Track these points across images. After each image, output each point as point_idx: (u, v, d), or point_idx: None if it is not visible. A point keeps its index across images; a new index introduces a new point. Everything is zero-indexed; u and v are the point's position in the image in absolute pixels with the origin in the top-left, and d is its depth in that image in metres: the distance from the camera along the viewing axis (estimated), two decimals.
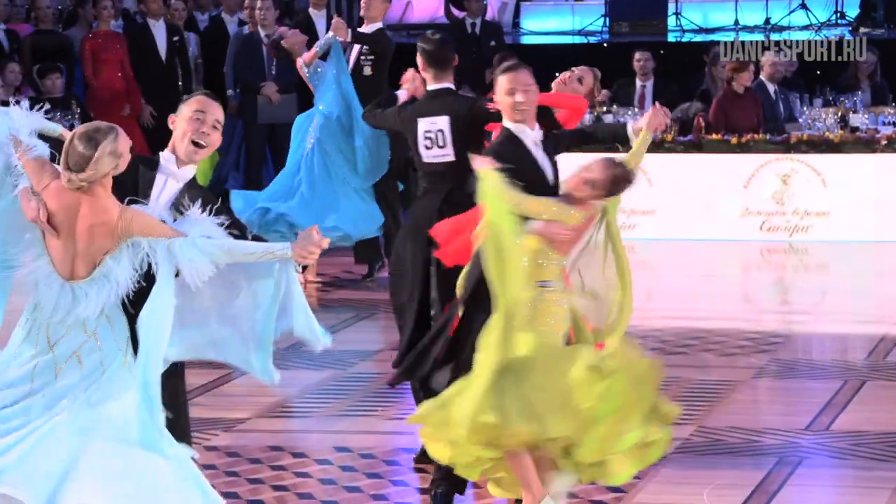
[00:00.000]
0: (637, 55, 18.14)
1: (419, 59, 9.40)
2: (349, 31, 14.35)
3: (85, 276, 6.77)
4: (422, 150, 9.30)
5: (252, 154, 17.96)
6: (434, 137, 9.23)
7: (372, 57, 14.55)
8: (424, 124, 9.28)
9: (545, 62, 19.04)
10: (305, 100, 17.88)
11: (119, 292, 6.77)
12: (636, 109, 17.26)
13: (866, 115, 16.80)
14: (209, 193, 7.33)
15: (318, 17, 18.28)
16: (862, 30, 21.44)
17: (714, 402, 10.75)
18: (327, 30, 18.39)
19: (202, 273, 6.75)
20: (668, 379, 11.07)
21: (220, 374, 11.53)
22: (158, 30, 18.10)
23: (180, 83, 18.28)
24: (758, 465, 9.39)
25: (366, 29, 14.68)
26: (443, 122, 9.21)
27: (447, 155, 9.24)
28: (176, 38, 18.21)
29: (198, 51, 18.79)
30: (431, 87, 9.43)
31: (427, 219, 9.03)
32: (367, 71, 14.55)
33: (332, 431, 10.24)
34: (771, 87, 17.31)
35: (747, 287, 14.85)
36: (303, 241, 6.87)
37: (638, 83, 18.08)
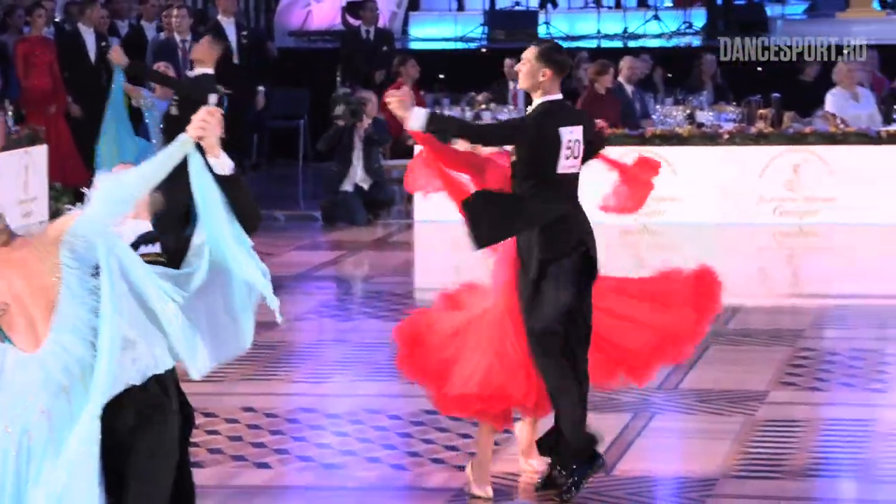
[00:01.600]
0: (507, 62, 18.18)
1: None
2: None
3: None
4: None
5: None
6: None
7: (177, 98, 13.89)
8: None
9: (430, 65, 19.07)
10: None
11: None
12: (511, 107, 17.29)
13: (710, 113, 16.94)
14: None
15: (227, 23, 18.20)
16: (708, 38, 21.62)
17: None
18: (237, 36, 18.38)
19: (123, 215, 5.95)
20: None
21: None
22: (89, 36, 17.95)
23: (105, 83, 18.15)
24: (617, 419, 9.42)
25: (193, 72, 14.21)
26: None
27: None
28: (104, 44, 18.07)
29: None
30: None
31: None
32: (174, 111, 13.86)
33: (239, 394, 10.19)
34: (629, 88, 17.40)
35: (608, 262, 14.89)
36: (195, 119, 6.24)
37: (511, 85, 18.11)
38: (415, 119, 7.65)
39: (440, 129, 7.79)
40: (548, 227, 7.89)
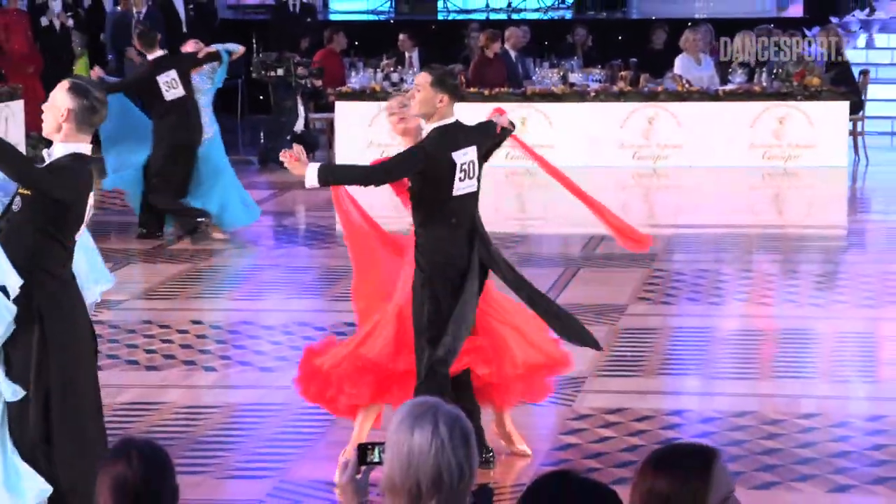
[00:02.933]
0: (400, 37, 18.13)
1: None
2: None
3: None
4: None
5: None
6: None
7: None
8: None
9: (347, 34, 18.92)
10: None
11: None
12: (411, 71, 17.22)
13: (580, 74, 16.93)
14: None
15: None
16: (578, 12, 21.59)
17: None
18: (185, 9, 18.10)
19: None
20: None
21: None
22: (55, 5, 17.66)
23: (73, 48, 17.92)
24: None
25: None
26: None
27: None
28: (70, 13, 17.80)
29: (84, 22, 18.39)
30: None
31: None
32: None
33: (189, 309, 10.12)
34: (513, 54, 17.34)
35: (495, 200, 14.92)
36: None
37: (406, 54, 18.06)
38: (309, 178, 6.52)
39: (334, 181, 6.69)
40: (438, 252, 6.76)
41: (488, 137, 7.04)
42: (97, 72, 13.45)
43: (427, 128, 6.79)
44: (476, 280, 6.81)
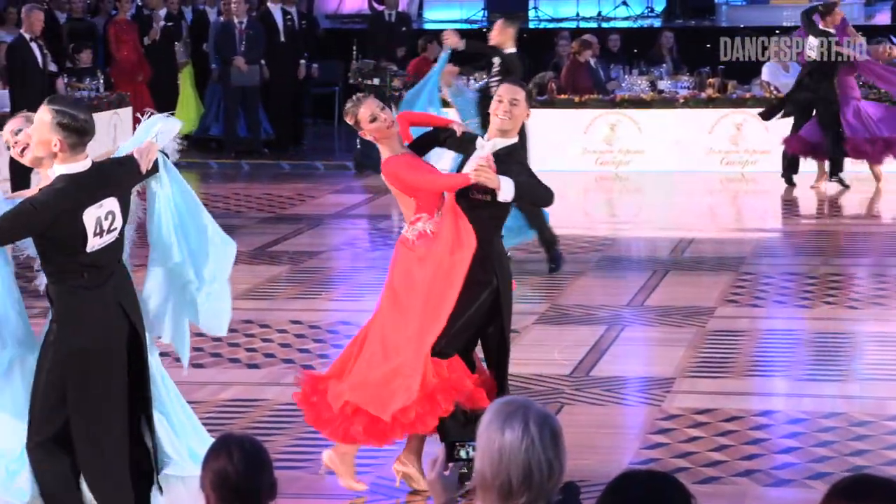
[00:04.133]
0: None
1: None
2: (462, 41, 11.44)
3: None
4: None
5: (229, 109, 17.86)
6: None
7: (499, 78, 11.33)
8: None
9: (441, 43, 18.96)
10: (272, 69, 17.76)
11: None
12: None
13: (669, 81, 16.83)
14: None
15: (274, 8, 18.08)
16: (666, 20, 21.46)
17: (562, 287, 10.80)
18: (283, 19, 18.26)
19: None
20: (529, 271, 11.15)
21: None
22: (156, 16, 17.91)
23: (176, 56, 18.14)
24: (593, 330, 9.43)
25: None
26: None
27: None
28: (171, 24, 18.02)
29: (186, 33, 18.59)
30: None
31: None
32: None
33: (289, 309, 10.20)
34: (592, 62, 17.27)
35: (586, 205, 14.89)
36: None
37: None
38: (506, 190, 6.22)
39: (529, 198, 6.51)
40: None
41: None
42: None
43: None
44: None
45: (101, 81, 16.62)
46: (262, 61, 17.68)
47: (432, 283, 6.38)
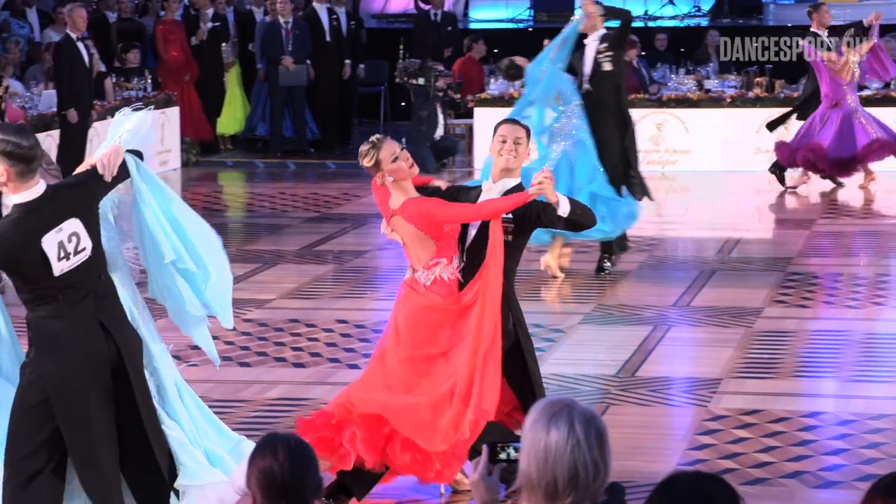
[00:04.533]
0: (545, 41, 17.97)
1: None
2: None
3: None
4: None
5: (275, 109, 17.93)
6: None
7: (611, 53, 10.83)
8: None
9: (488, 41, 18.95)
10: (317, 69, 17.81)
11: None
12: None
13: (716, 80, 16.74)
14: None
15: (320, 9, 18.13)
16: (713, 19, 21.36)
17: (607, 287, 10.76)
18: (328, 19, 18.30)
19: None
20: (574, 271, 11.12)
21: (253, 267, 11.48)
22: (203, 16, 17.97)
23: (223, 56, 18.20)
24: (639, 330, 9.40)
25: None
26: None
27: None
28: (217, 24, 18.10)
29: (234, 32, 18.65)
30: None
31: None
32: (607, 66, 10.84)
33: (334, 308, 10.22)
34: (635, 61, 17.20)
35: None
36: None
37: None
38: (563, 207, 6.19)
39: (580, 217, 6.28)
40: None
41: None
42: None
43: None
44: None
45: (149, 81, 16.72)
46: (308, 61, 17.73)
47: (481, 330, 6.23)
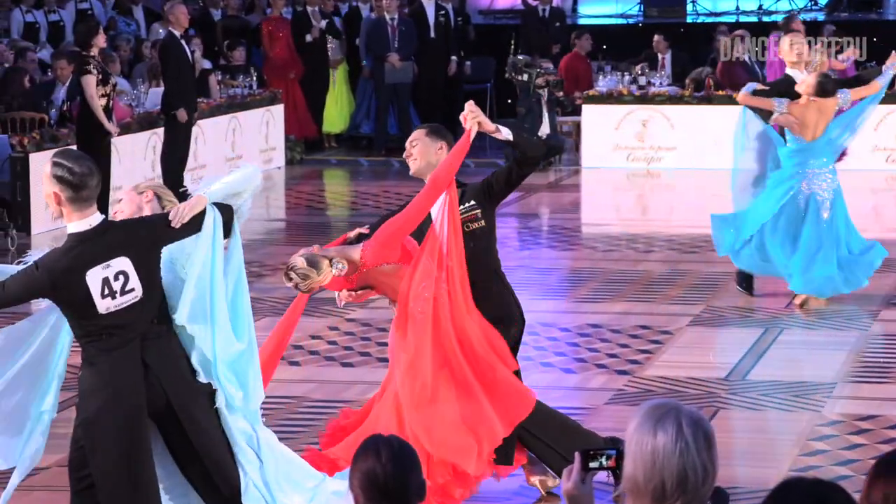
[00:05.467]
0: (655, 37, 17.89)
1: None
2: None
3: None
4: None
5: (380, 107, 18.01)
6: None
7: None
8: None
9: (596, 38, 18.88)
10: (421, 65, 17.88)
11: None
12: (661, 73, 17.04)
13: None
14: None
15: (427, 4, 18.19)
16: (830, 13, 21.05)
17: (718, 288, 10.66)
18: (435, 14, 18.36)
19: None
20: (683, 271, 11.03)
21: None
22: (315, 14, 18.12)
23: (329, 53, 18.33)
24: (751, 332, 9.30)
25: None
26: None
27: None
28: (327, 21, 18.24)
29: (343, 29, 18.77)
30: None
31: None
32: None
33: None
34: (747, 56, 17.02)
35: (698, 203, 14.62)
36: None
37: (659, 57, 17.84)
38: (505, 132, 6.36)
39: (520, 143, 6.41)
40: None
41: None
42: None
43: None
44: None
45: (254, 79, 16.90)
46: (413, 58, 17.81)
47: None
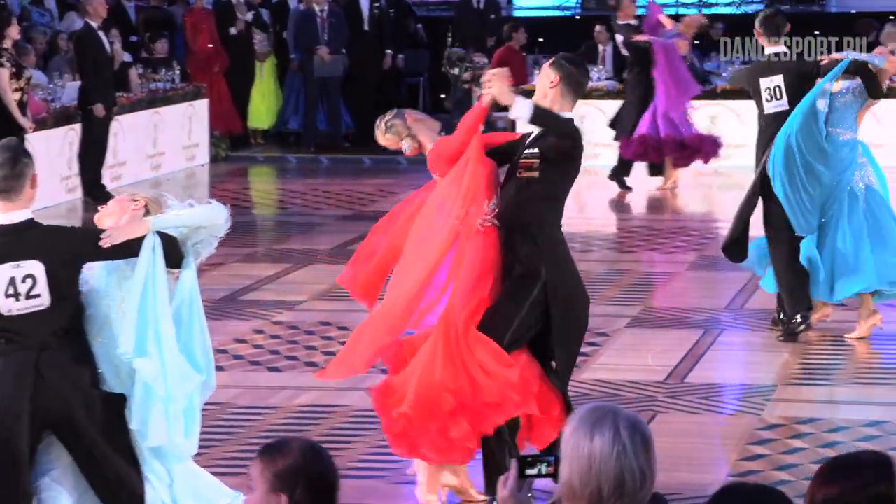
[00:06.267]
0: (597, 28, 17.97)
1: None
2: None
3: None
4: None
5: (309, 101, 17.95)
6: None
7: None
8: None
9: (531, 30, 18.93)
10: (354, 59, 17.83)
11: None
12: (600, 67, 17.11)
13: None
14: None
15: None
16: (772, 5, 21.24)
17: (656, 289, 10.73)
18: (369, 7, 18.31)
19: None
20: (621, 271, 11.09)
21: (283, 267, 11.51)
22: (240, 6, 18.01)
23: (255, 46, 18.24)
24: (689, 334, 9.36)
25: None
26: None
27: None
28: (253, 13, 18.15)
29: (271, 21, 18.69)
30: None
31: None
32: None
33: (367, 311, 10.20)
34: (686, 52, 17.16)
35: (681, 201, 14.76)
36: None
37: (600, 48, 17.91)
38: (521, 108, 6.29)
39: (543, 122, 6.34)
40: None
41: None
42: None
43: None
44: None
45: (177, 72, 16.79)
46: (344, 51, 17.76)
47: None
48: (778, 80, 9.08)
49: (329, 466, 3.56)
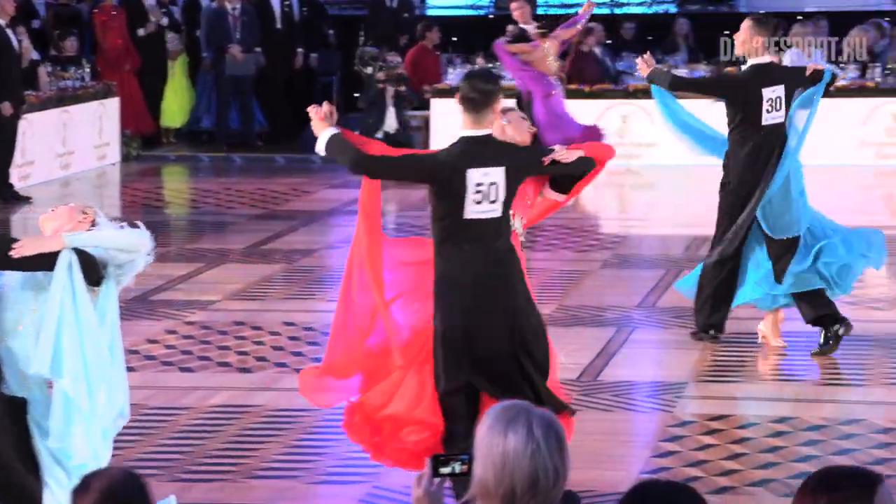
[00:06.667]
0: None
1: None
2: None
3: None
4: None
5: (221, 100, 17.87)
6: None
7: None
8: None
9: (445, 30, 18.95)
10: (267, 57, 17.75)
11: None
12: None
13: (685, 70, 16.81)
14: None
15: None
16: (682, 6, 21.44)
17: (569, 287, 10.79)
18: (280, 4, 18.25)
19: None
20: (535, 270, 11.14)
21: (196, 266, 11.46)
22: (153, 10, 17.86)
23: (167, 44, 18.11)
24: (601, 332, 9.43)
25: None
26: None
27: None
28: (165, 11, 18.01)
29: (183, 20, 18.56)
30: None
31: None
32: None
33: (282, 310, 10.20)
34: (597, 50, 17.29)
35: (595, 200, 14.85)
36: None
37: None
38: (319, 144, 6.49)
39: (336, 152, 6.51)
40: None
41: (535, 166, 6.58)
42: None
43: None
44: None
45: (87, 70, 16.64)
46: (258, 49, 17.69)
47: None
48: (780, 90, 8.72)
49: (137, 493, 3.43)
